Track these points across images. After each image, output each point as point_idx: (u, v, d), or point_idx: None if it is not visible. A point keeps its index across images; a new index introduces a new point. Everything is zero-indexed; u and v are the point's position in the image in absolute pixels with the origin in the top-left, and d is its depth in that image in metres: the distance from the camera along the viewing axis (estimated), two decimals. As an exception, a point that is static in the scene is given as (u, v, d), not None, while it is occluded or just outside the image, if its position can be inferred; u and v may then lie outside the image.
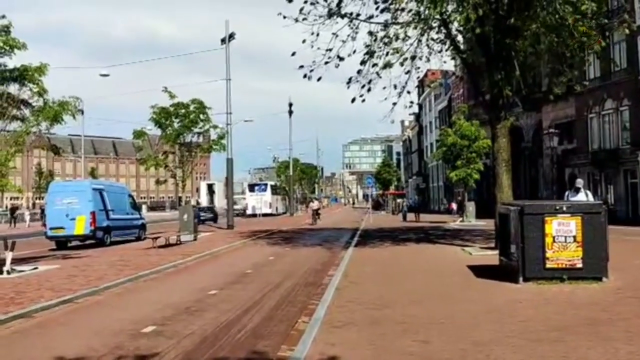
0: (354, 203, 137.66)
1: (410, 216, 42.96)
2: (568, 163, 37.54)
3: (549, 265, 9.97)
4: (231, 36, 33.38)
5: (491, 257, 13.40)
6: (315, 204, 45.27)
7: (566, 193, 14.27)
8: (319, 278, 12.76)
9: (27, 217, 48.69)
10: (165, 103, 30.67)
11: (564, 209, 10.09)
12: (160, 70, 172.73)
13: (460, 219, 37.36)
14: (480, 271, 11.97)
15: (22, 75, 15.55)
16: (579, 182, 14.33)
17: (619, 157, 32.61)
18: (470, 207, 37.10)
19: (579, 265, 9.93)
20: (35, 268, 14.98)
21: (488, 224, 25.41)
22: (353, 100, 17.35)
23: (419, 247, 19.30)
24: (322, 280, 12.32)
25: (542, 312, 7.98)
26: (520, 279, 10.11)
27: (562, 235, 9.89)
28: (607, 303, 8.53)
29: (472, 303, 8.90)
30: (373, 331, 7.18)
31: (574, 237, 9.87)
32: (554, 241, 9.90)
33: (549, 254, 9.94)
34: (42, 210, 44.11)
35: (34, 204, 44.92)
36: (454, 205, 42.50)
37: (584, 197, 13.44)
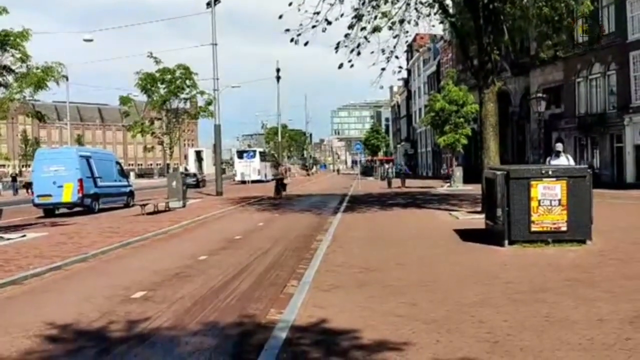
0: (338, 171, 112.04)
1: (397, 182, 42.67)
2: (555, 127, 37.68)
3: (534, 228, 10.13)
4: (217, -1, 32.79)
5: (477, 221, 13.56)
6: (279, 170, 34.62)
7: (548, 158, 14.34)
8: (307, 243, 12.86)
9: None
10: (151, 69, 30.30)
11: (550, 173, 10.20)
12: (146, 35, 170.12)
13: (448, 184, 37.60)
14: (467, 235, 12.13)
15: (3, 41, 15.26)
16: (559, 146, 14.40)
17: (605, 121, 32.77)
18: (458, 172, 37.35)
19: (564, 228, 10.09)
20: (24, 236, 14.96)
21: (475, 189, 25.59)
22: (340, 65, 17.23)
23: (407, 212, 19.47)
24: (310, 245, 12.44)
25: (526, 274, 8.13)
26: (506, 242, 10.28)
27: (548, 199, 10.02)
28: (590, 265, 8.70)
29: (458, 266, 9.04)
30: (361, 294, 7.29)
31: (559, 200, 10.01)
32: (539, 205, 10.04)
33: (534, 217, 10.09)
34: (13, 178, 43.25)
35: (17, 173, 43.69)
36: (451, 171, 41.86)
37: (565, 160, 13.50)
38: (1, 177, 48.92)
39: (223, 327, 6.38)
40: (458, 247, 11.13)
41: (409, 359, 4.87)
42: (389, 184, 40.65)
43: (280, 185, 31.24)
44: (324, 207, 23.98)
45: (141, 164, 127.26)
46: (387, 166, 52.34)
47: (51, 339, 6.10)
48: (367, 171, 75.94)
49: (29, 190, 40.16)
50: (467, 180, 36.24)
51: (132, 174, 68.33)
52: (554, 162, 13.43)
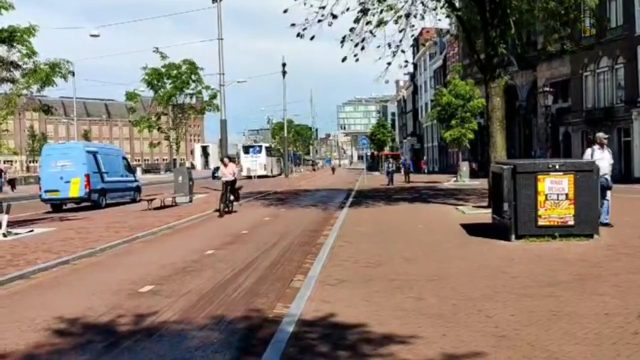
0: (333, 169, 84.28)
1: (400, 178, 40.32)
2: (562, 122, 37.55)
3: (541, 222, 10.10)
4: (223, -6, 32.72)
5: (484, 215, 13.53)
6: (228, 169, 20.14)
7: (588, 150, 12.33)
8: (314, 238, 12.88)
9: None
10: (157, 64, 30.30)
11: (557, 167, 10.16)
12: (152, 30, 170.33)
13: (454, 178, 37.53)
14: (473, 229, 12.11)
15: (10, 37, 15.29)
16: (602, 136, 12.53)
17: (613, 115, 32.62)
18: (464, 167, 37.27)
19: (571, 222, 10.06)
20: (31, 231, 15.04)
21: (481, 184, 25.56)
22: (344, 59, 17.21)
23: (413, 207, 19.45)
24: (317, 240, 12.45)
25: (533, 269, 8.11)
26: (513, 236, 10.25)
27: (555, 193, 9.99)
28: (597, 259, 8.67)
29: (465, 260, 9.03)
30: (367, 288, 7.29)
31: (566, 194, 9.97)
32: (546, 199, 10.01)
33: (541, 211, 10.06)
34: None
35: (3, 170, 42.58)
36: (474, 165, 40.22)
37: (609, 156, 12.04)
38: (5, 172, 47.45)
39: (230, 321, 6.40)
40: (465, 241, 11.11)
41: (416, 353, 4.86)
42: (391, 180, 37.02)
43: (229, 191, 19.74)
44: (330, 202, 23.99)
45: (148, 159, 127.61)
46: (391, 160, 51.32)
47: (59, 332, 6.13)
48: (372, 166, 75.81)
49: (14, 188, 40.00)
50: (473, 174, 36.18)
51: (138, 170, 68.55)
52: (598, 156, 11.73)
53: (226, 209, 19.29)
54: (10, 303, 7.69)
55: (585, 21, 26.33)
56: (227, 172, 20.01)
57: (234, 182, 20.11)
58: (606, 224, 11.50)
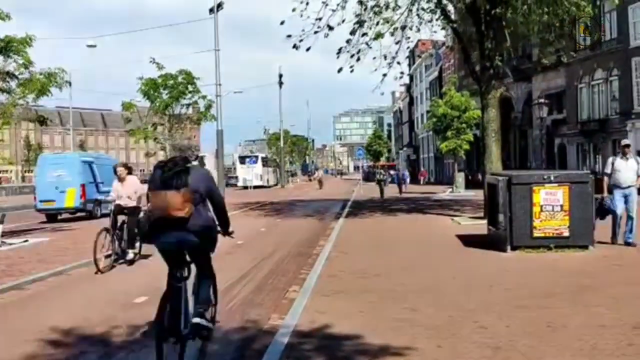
0: (320, 182, 56.57)
1: (394, 189, 38.25)
2: (557, 133, 37.69)
3: (536, 234, 10.13)
4: (219, 5, 32.95)
5: (480, 226, 13.54)
6: (125, 187, 11.43)
7: (609, 160, 11.18)
8: (309, 248, 12.86)
9: None
10: (154, 74, 30.40)
11: (552, 178, 10.21)
12: (148, 41, 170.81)
13: (450, 189, 37.59)
14: (469, 240, 12.11)
15: (7, 47, 15.32)
16: (627, 141, 11.66)
17: (608, 127, 32.77)
18: (460, 177, 37.34)
19: (566, 233, 10.09)
20: (26, 241, 14.97)
21: (477, 195, 25.60)
22: (340, 70, 17.25)
23: (409, 217, 19.46)
24: (313, 250, 12.43)
25: (528, 280, 8.12)
26: (508, 247, 10.28)
27: (550, 204, 10.03)
28: (593, 271, 8.69)
29: (460, 271, 9.03)
30: (363, 299, 7.28)
31: (561, 206, 10.01)
32: (541, 210, 10.05)
33: (536, 223, 10.09)
34: None
35: (23, 177, 42.72)
36: (479, 176, 39.97)
37: (635, 165, 10.73)
38: (1, 182, 47.27)
39: (225, 332, 6.36)
40: (460, 252, 11.12)
41: (411, 364, 4.86)
42: (382, 192, 33.53)
43: (126, 224, 11.20)
44: (326, 212, 23.98)
45: (144, 170, 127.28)
46: (392, 172, 50.32)
47: (53, 343, 6.09)
48: (368, 177, 75.85)
49: None
50: (474, 184, 36.26)
51: (134, 180, 68.20)
52: (620, 166, 10.77)
53: (116, 255, 10.88)
54: (5, 314, 7.65)
55: (579, 33, 26.58)
56: (124, 192, 11.47)
57: (134, 209, 11.23)
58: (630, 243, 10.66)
